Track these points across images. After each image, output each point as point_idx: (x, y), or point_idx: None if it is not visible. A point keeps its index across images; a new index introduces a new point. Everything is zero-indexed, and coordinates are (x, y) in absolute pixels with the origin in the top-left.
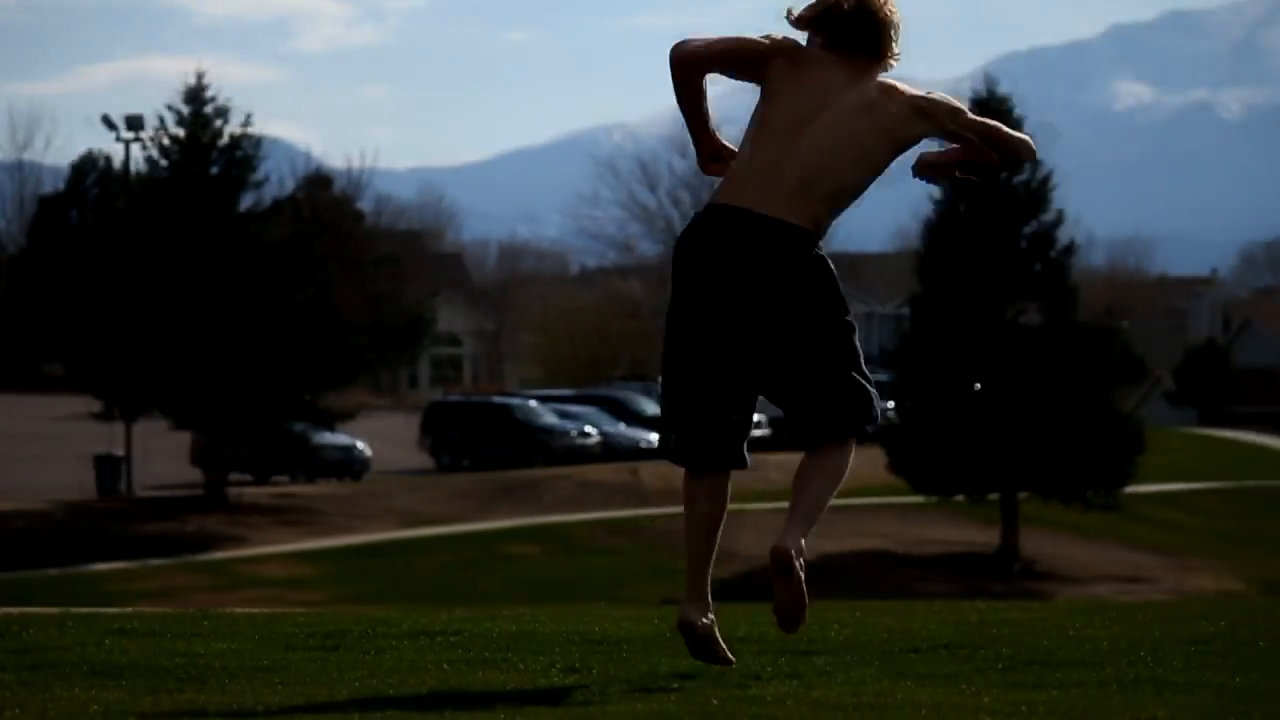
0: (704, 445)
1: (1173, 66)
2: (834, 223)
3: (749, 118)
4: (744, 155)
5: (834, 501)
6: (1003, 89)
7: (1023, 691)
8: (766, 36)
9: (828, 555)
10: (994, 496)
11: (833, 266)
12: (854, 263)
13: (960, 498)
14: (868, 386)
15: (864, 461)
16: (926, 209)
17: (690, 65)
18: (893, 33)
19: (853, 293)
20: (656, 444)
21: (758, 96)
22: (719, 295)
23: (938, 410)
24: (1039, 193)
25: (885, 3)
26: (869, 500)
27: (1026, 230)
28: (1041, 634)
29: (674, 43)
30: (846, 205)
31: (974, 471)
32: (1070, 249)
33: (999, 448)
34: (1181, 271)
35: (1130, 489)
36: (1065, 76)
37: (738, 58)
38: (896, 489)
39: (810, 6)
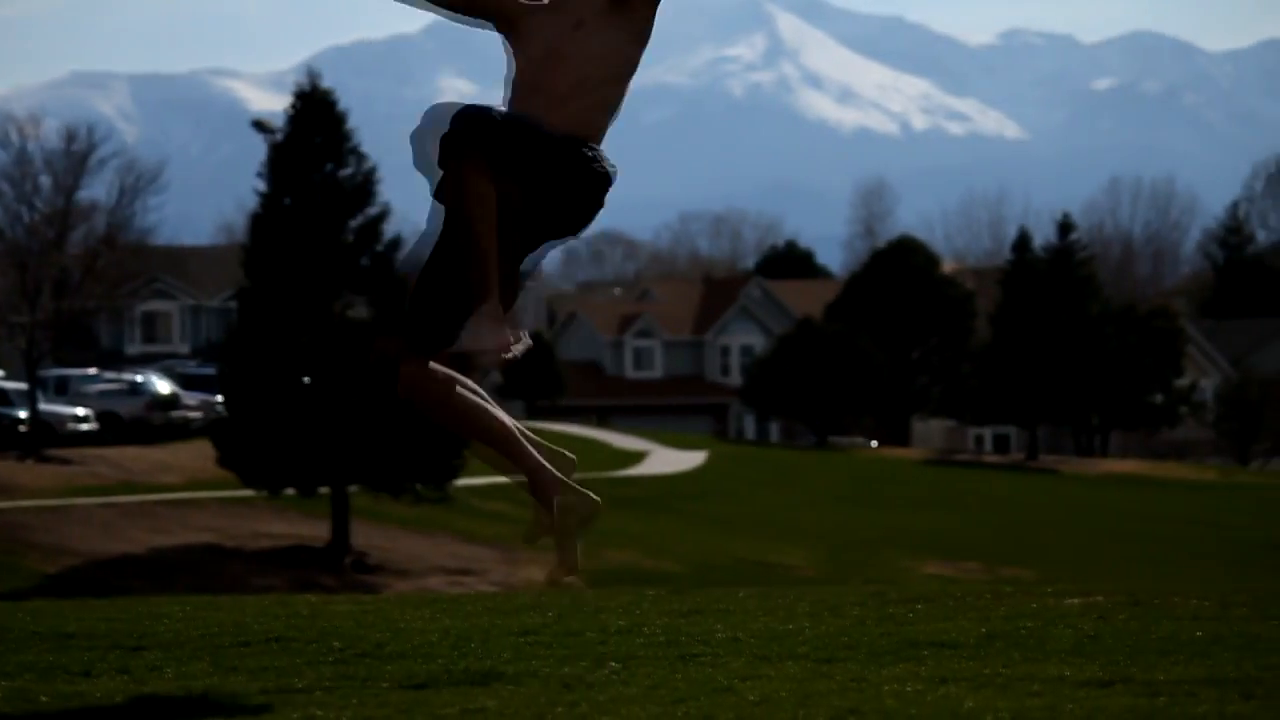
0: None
1: (492, 62)
2: None
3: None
4: None
5: (164, 496)
6: (326, 82)
7: (354, 685)
8: None
9: (158, 549)
10: (324, 490)
11: None
12: (180, 256)
13: (291, 491)
14: None
15: (194, 455)
16: (252, 202)
17: None
18: None
19: (179, 286)
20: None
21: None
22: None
23: (266, 404)
24: (365, 186)
25: None
26: (199, 494)
27: (353, 224)
28: (372, 627)
29: None
30: None
31: (304, 465)
32: (396, 243)
33: (328, 441)
34: None
35: (460, 481)
36: (389, 71)
37: None
38: (226, 483)
39: None
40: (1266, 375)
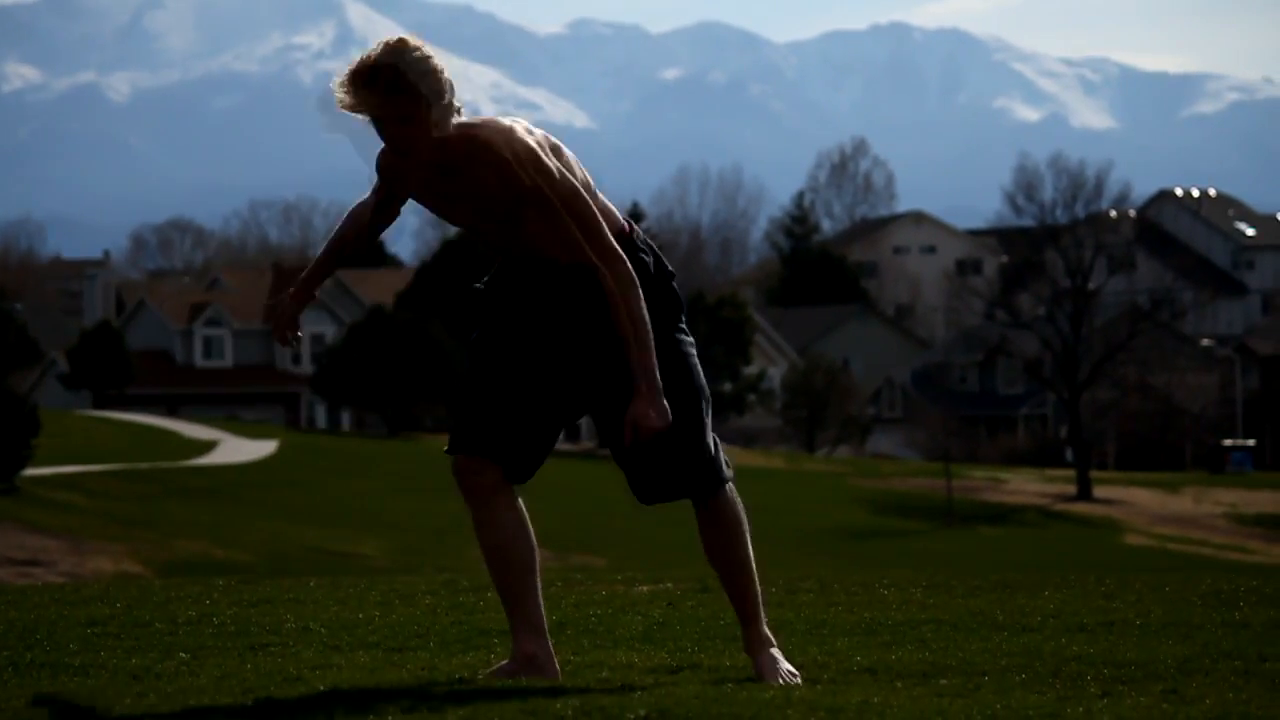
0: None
1: (59, 49)
2: None
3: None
4: None
5: None
6: None
7: None
8: None
9: None
10: None
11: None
12: None
13: None
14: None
15: None
16: None
17: None
18: None
19: None
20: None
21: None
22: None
23: None
24: None
25: None
26: None
27: None
28: None
29: None
30: None
31: None
32: None
33: None
34: (74, 254)
35: (27, 471)
36: None
37: None
38: None
39: None
40: (832, 363)
